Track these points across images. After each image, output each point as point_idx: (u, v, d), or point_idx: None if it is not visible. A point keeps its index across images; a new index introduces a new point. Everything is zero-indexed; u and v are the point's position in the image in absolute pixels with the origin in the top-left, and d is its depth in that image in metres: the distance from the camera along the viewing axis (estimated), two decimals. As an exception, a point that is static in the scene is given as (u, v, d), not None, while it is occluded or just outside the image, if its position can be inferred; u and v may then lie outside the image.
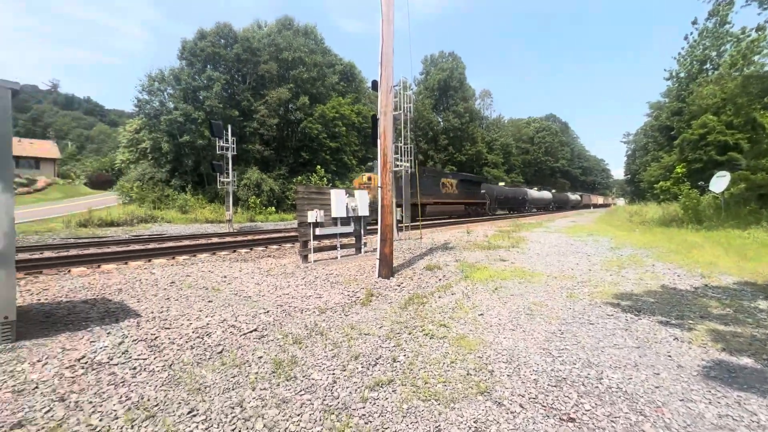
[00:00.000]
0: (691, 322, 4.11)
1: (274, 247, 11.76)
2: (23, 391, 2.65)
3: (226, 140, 18.52)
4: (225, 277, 6.84)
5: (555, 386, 2.75)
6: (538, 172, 77.66)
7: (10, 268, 3.52)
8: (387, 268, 6.59)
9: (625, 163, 64.84)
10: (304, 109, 37.11)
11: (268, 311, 4.59)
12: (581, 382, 2.79)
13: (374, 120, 7.61)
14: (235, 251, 10.73)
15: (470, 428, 2.27)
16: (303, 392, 2.68)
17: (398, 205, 13.36)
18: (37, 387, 2.71)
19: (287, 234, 15.29)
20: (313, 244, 8.20)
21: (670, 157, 34.19)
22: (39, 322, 4.18)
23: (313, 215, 8.13)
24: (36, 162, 46.47)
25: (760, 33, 26.07)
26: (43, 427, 2.24)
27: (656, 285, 5.84)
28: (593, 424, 2.29)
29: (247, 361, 3.21)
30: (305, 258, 8.14)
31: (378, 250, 6.63)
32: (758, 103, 21.76)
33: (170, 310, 4.68)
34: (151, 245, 11.70)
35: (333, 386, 2.77)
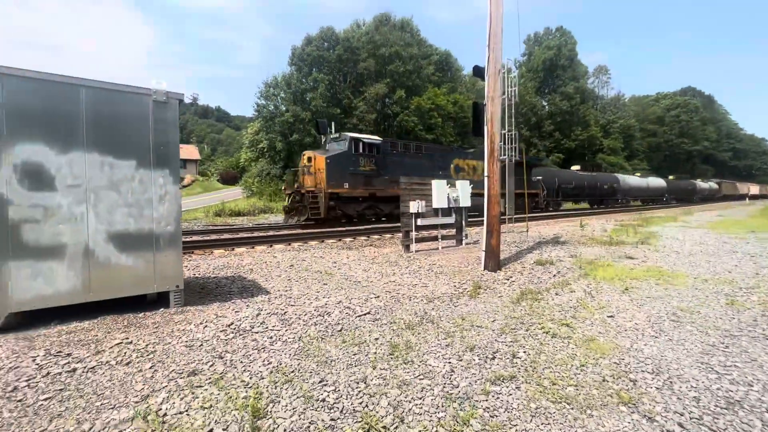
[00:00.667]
0: None
1: (375, 236, 12.24)
2: (192, 346, 3.22)
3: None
4: (335, 262, 7.35)
5: (726, 409, 2.26)
6: (671, 158, 65.82)
7: (179, 247, 4.30)
8: (494, 261, 6.29)
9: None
10: (401, 102, 37.71)
11: (378, 296, 4.78)
12: (765, 409, 2.24)
13: (476, 107, 7.25)
14: (340, 240, 11.49)
15: (616, 441, 2.00)
16: (422, 377, 2.70)
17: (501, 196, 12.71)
18: (201, 345, 3.26)
19: (385, 225, 15.81)
20: (414, 234, 8.28)
21: None
22: (196, 292, 5.05)
23: (414, 206, 8.21)
24: (184, 163, 56.74)
25: None
26: (209, 378, 2.68)
27: None
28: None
29: (365, 341, 3.37)
30: (407, 248, 8.27)
31: (483, 242, 6.37)
32: None
33: (292, 290, 5.21)
34: (270, 232, 13.26)
35: (451, 375, 2.73)
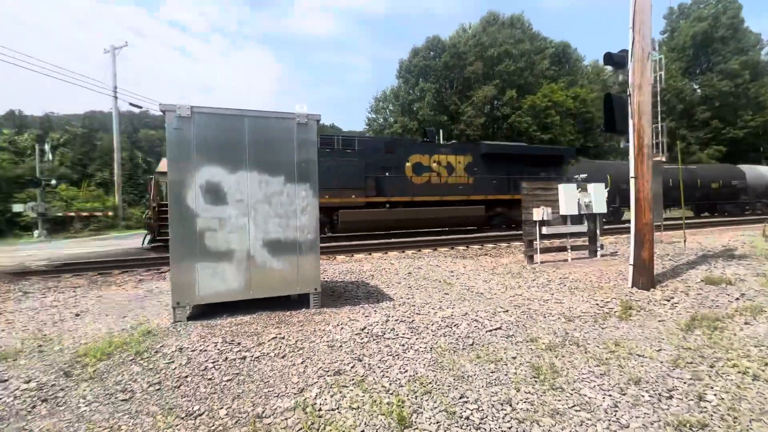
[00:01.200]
0: None
1: (490, 245, 11.68)
2: (333, 346, 3.47)
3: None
4: (452, 272, 7.20)
5: None
6: None
7: (317, 253, 4.75)
8: (645, 277, 5.32)
9: None
10: (511, 103, 35.70)
11: (506, 311, 4.47)
12: None
13: (608, 99, 6.25)
14: (453, 248, 11.29)
15: None
16: (577, 408, 2.38)
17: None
18: (341, 346, 3.49)
19: (499, 233, 14.99)
20: (539, 244, 7.60)
21: None
22: (328, 295, 5.49)
23: (539, 213, 7.54)
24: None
25: None
26: (353, 379, 2.83)
27: None
28: None
29: (501, 359, 3.15)
30: (530, 258, 7.64)
31: (631, 254, 5.44)
32: None
33: (414, 297, 5.25)
34: (381, 240, 13.80)
35: (615, 411, 2.34)
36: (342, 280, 6.79)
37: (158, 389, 2.72)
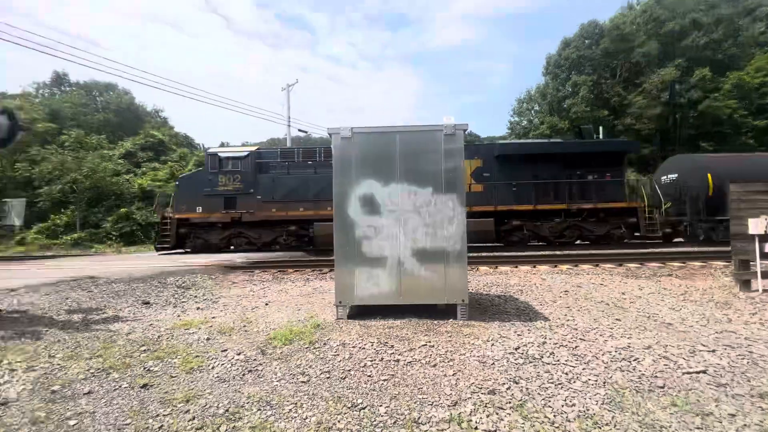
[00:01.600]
0: None
1: (676, 264, 9.38)
2: (485, 363, 3.31)
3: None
4: (623, 293, 6.07)
5: None
6: None
7: (465, 263, 4.67)
8: None
9: None
10: (703, 85, 28.42)
11: (712, 350, 3.47)
12: None
13: None
14: (621, 265, 9.52)
15: None
16: None
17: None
18: (494, 363, 3.30)
19: (687, 249, 11.93)
20: (760, 265, 5.70)
21: None
22: (474, 307, 5.31)
23: (756, 225, 5.68)
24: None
25: None
26: (509, 401, 2.63)
27: None
28: None
29: (711, 413, 2.43)
30: (745, 284, 5.79)
31: None
32: None
33: (576, 320, 4.60)
34: (530, 252, 12.67)
35: None
36: (487, 293, 6.51)
37: (328, 377, 3.10)
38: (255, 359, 3.52)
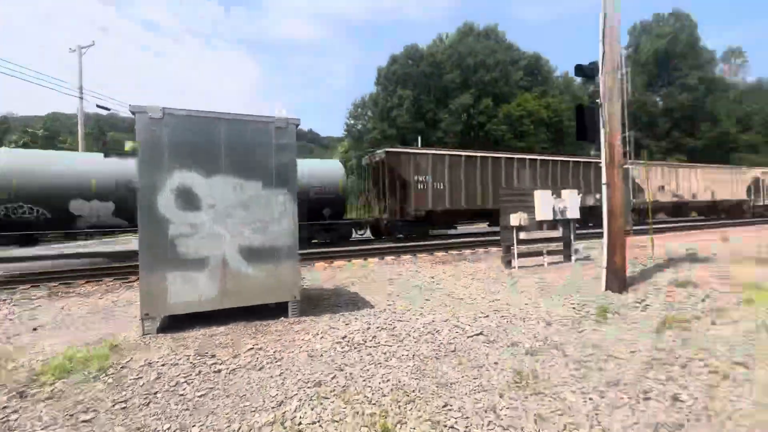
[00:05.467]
0: None
1: (468, 251, 11.81)
2: (314, 357, 3.36)
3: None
4: (432, 277, 7.21)
5: None
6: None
7: (296, 259, 4.63)
8: (618, 281, 5.49)
9: None
10: (487, 111, 36.59)
11: (487, 315, 4.49)
12: None
13: (580, 110, 6.49)
14: (432, 254, 11.34)
15: None
16: (560, 413, 2.38)
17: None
18: (321, 355, 3.39)
19: (476, 239, 15.21)
20: (516, 249, 7.73)
21: None
22: (308, 303, 5.35)
23: (516, 218, 7.69)
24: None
25: None
26: (333, 390, 2.74)
27: None
28: None
29: (483, 365, 3.14)
30: (508, 264, 7.76)
31: (604, 258, 5.62)
32: None
33: (395, 304, 5.21)
34: (358, 246, 13.71)
35: (596, 415, 2.36)
36: (321, 287, 6.66)
37: (124, 408, 2.54)
38: (7, 406, 2.58)
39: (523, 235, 7.72)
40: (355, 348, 3.55)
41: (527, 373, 2.95)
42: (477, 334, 3.86)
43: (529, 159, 16.81)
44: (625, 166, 9.78)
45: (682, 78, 44.41)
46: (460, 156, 15.16)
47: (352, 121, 44.18)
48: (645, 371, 2.95)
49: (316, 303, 5.41)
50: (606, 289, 5.52)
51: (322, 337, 3.82)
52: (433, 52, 40.90)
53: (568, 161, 17.71)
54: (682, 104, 43.21)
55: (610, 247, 5.54)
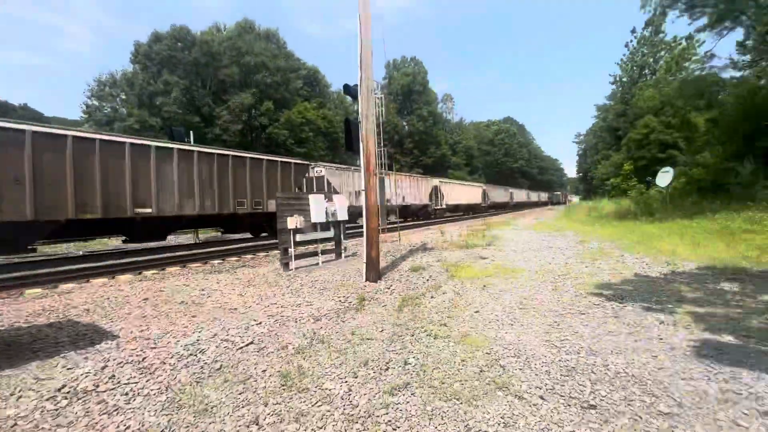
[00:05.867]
0: (670, 306, 4.40)
1: (249, 256, 11.32)
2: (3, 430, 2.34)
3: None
4: (203, 290, 6.48)
5: (567, 376, 2.83)
6: (500, 173, 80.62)
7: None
8: (374, 272, 6.52)
9: (577, 162, 69.52)
10: (269, 114, 36.29)
11: (260, 322, 4.39)
12: (590, 370, 2.90)
13: (347, 124, 7.50)
14: (206, 263, 10.22)
15: (499, 424, 2.28)
16: (320, 403, 2.57)
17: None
18: (15, 423, 2.40)
19: (257, 243, 14.81)
20: (293, 251, 7.97)
21: (618, 156, 36.64)
22: (2, 352, 3.73)
23: (293, 221, 7.92)
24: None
25: (689, 42, 28.93)
26: (33, 468, 1.99)
27: (630, 274, 6.20)
28: (614, 409, 2.37)
29: (251, 375, 3.03)
30: (286, 266, 7.90)
31: (364, 253, 6.56)
32: (692, 105, 23.97)
33: (150, 328, 4.36)
34: (110, 261, 10.86)
35: (349, 395, 2.68)
36: (33, 323, 4.80)
37: None
38: None
39: (299, 237, 8.04)
40: (78, 399, 2.71)
41: (294, 372, 3.05)
42: (248, 345, 3.70)
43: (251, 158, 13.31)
44: (382, 175, 11.81)
45: (419, 110, 57.95)
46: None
47: (96, 102, 34.38)
48: (388, 345, 3.61)
49: (19, 350, 3.83)
50: (366, 280, 6.46)
51: (20, 396, 2.72)
52: (207, 40, 37.01)
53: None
54: (419, 130, 56.43)
55: (368, 243, 6.53)
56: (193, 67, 35.03)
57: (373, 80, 7.05)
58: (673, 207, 16.24)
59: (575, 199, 71.96)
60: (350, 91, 8.08)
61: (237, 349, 3.59)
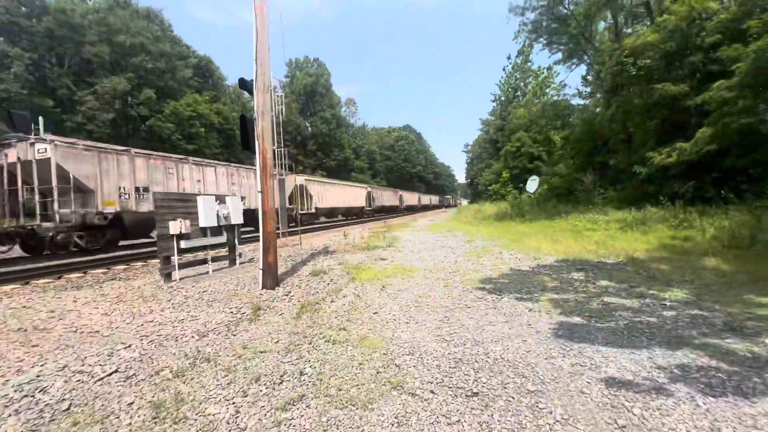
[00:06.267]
0: (536, 295, 5.13)
1: (120, 267, 9.67)
2: None
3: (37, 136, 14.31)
4: (52, 311, 5.29)
5: (455, 367, 3.05)
6: (400, 178, 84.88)
7: None
8: (272, 278, 6.16)
9: (466, 169, 77.63)
10: (150, 104, 31.84)
11: (129, 345, 3.74)
12: (474, 360, 3.17)
13: (243, 120, 6.97)
14: (60, 277, 8.40)
15: (392, 424, 2.32)
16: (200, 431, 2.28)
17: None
18: None
19: (134, 251, 12.79)
20: (177, 259, 7.06)
21: (497, 165, 41.84)
22: None
23: (176, 226, 7.02)
24: None
25: (549, 71, 34.86)
26: None
27: (506, 269, 7.07)
28: (492, 393, 2.63)
29: (112, 412, 2.54)
30: (168, 276, 6.94)
31: (261, 260, 6.15)
32: (551, 125, 28.79)
33: (-35, 368, 3.36)
34: None
35: (236, 417, 2.44)
36: None
37: None
38: None
39: (184, 244, 7.16)
40: None
41: (170, 400, 2.66)
42: (110, 374, 3.11)
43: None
44: (283, 177, 11.29)
45: (322, 111, 57.47)
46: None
47: None
48: (284, 356, 3.42)
49: None
50: (263, 288, 6.07)
51: None
52: (65, 8, 30.72)
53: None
54: (322, 132, 55.95)
55: (265, 248, 6.15)
56: (45, 39, 28.73)
57: (270, 77, 6.70)
58: (539, 209, 19.18)
59: (464, 202, 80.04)
60: (246, 85, 7.51)
61: (95, 382, 2.98)
